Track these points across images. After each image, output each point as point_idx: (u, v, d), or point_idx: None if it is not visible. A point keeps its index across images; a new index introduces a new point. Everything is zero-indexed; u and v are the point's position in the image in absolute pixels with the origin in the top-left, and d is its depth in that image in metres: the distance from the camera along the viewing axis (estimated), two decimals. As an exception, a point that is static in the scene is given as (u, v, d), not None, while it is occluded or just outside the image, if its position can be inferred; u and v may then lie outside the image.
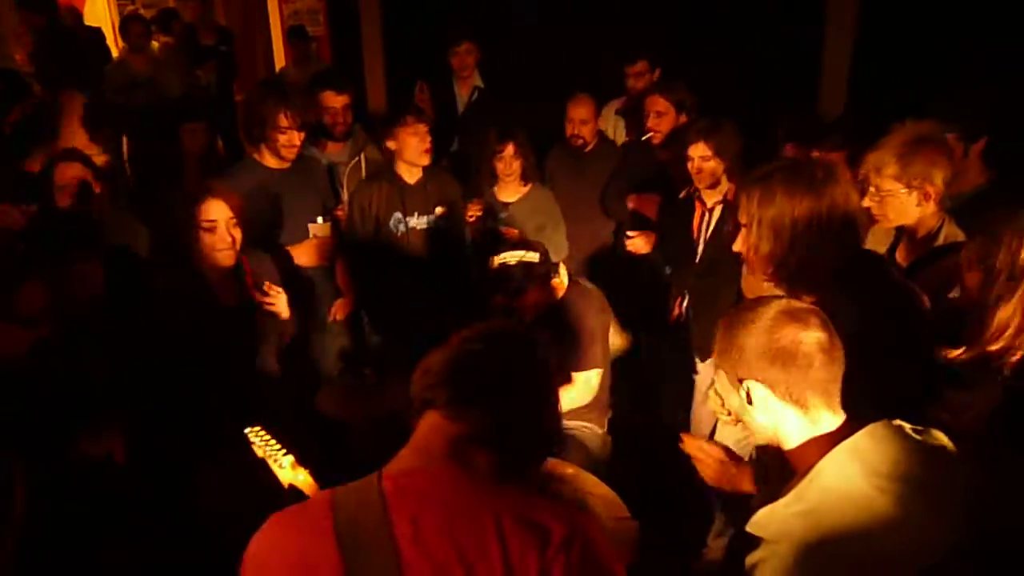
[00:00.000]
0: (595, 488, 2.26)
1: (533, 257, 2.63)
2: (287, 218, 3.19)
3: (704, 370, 3.15)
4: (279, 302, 2.61)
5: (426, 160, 3.37)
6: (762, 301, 1.46)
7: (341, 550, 1.11)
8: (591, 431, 2.82)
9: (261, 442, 2.07)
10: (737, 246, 1.85)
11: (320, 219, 3.24)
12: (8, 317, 1.82)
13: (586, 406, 2.78)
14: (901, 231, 2.49)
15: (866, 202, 2.37)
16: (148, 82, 5.44)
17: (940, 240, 2.35)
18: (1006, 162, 2.74)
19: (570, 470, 2.35)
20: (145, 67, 5.54)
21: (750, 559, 1.38)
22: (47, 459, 2.05)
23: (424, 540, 1.11)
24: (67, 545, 2.14)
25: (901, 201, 2.31)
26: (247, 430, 2.08)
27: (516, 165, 3.66)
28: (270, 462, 2.03)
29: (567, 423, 2.77)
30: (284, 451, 2.04)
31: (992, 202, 2.19)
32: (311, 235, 3.20)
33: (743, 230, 1.83)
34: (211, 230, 2.47)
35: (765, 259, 1.80)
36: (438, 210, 3.44)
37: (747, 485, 1.78)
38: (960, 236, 2.29)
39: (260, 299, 2.60)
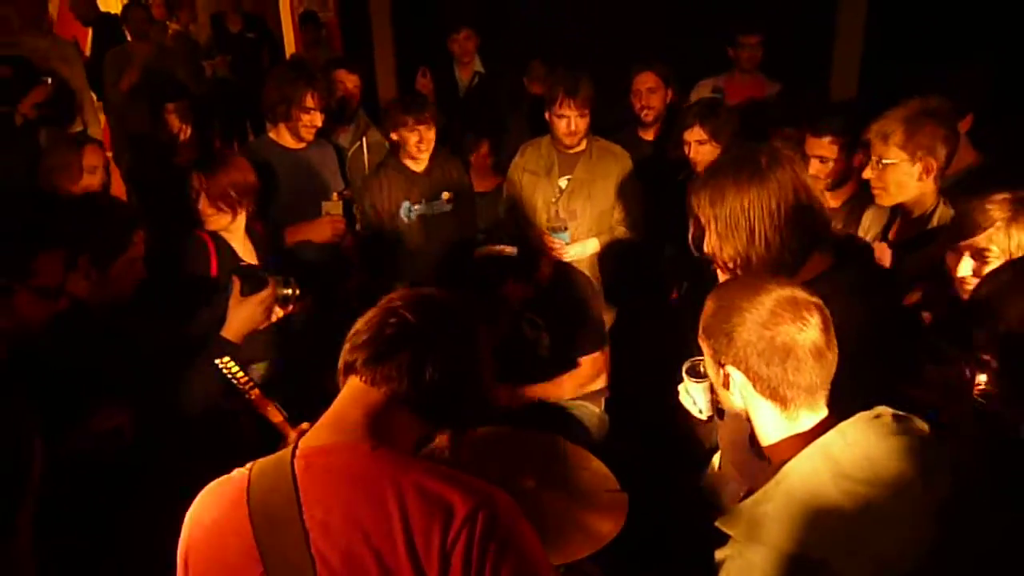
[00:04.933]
0: (587, 462, 2.29)
1: (511, 251, 2.56)
2: (301, 197, 3.25)
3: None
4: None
5: (426, 155, 3.38)
6: (760, 286, 1.35)
7: (255, 531, 1.13)
8: (588, 409, 2.85)
9: (230, 375, 2.08)
10: (707, 247, 1.77)
11: (334, 195, 3.31)
12: (29, 287, 1.84)
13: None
14: (895, 212, 2.50)
15: (866, 173, 2.36)
16: (151, 70, 5.36)
17: (934, 222, 2.33)
18: (992, 141, 2.73)
19: (563, 445, 2.39)
20: (149, 54, 5.49)
21: (719, 554, 1.33)
22: (59, 432, 2.10)
23: (332, 526, 1.12)
24: (77, 519, 2.20)
25: (903, 172, 2.29)
26: (217, 361, 2.08)
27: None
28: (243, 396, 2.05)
29: (564, 402, 2.81)
30: (252, 384, 2.06)
31: (981, 183, 2.19)
32: (324, 212, 3.26)
33: (706, 232, 1.75)
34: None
35: (730, 257, 1.72)
36: (444, 195, 3.46)
37: None
38: (953, 218, 2.29)
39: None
